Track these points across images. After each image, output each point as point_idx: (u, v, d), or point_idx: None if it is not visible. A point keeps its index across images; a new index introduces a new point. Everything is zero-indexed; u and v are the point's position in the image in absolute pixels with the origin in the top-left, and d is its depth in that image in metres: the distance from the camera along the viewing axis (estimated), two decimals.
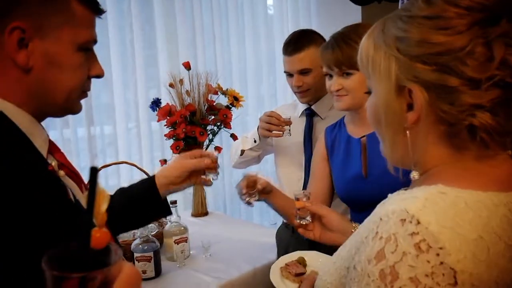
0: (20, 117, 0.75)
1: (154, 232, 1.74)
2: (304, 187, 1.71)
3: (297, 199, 1.16)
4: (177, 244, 1.71)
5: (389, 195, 0.65)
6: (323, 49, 1.36)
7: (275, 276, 1.17)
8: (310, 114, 1.78)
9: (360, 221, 1.32)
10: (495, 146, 0.59)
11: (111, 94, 2.48)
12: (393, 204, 0.57)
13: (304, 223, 1.14)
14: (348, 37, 1.31)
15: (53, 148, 0.85)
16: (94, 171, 0.49)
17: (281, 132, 1.70)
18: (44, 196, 0.71)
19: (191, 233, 1.80)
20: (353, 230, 1.12)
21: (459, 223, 0.53)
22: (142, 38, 2.48)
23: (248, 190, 1.30)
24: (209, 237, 1.84)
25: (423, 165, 0.65)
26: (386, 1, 2.61)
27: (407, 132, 0.63)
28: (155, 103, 2.26)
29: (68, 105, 0.83)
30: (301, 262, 1.22)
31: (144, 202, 1.18)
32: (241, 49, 2.85)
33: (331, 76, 1.36)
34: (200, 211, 2.34)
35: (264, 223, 3.04)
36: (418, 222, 0.53)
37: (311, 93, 1.73)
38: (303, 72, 1.70)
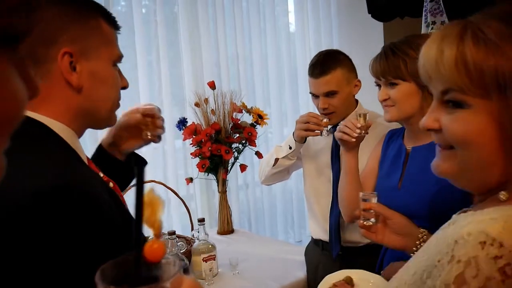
0: (68, 135, 0.82)
1: (183, 250, 1.76)
2: (333, 202, 1.72)
3: (364, 200, 1.14)
4: (206, 262, 1.73)
5: (454, 216, 0.63)
6: (372, 60, 1.37)
7: None
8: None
9: None
10: None
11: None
12: (468, 226, 0.55)
13: (368, 224, 1.13)
14: (397, 48, 1.31)
15: (89, 162, 0.91)
16: (140, 169, 0.46)
17: (320, 132, 1.69)
18: (115, 207, 0.76)
19: (218, 250, 1.81)
20: (419, 236, 1.11)
21: None
22: (168, 59, 2.55)
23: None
24: (236, 255, 1.85)
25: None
26: (408, 17, 2.61)
27: None
28: (181, 122, 2.31)
29: (111, 117, 0.92)
30: (349, 282, 1.19)
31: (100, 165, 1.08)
32: (263, 67, 2.89)
33: (380, 86, 1.37)
34: (226, 228, 2.36)
35: (290, 240, 3.04)
36: (501, 245, 0.50)
37: (336, 116, 1.74)
38: (329, 94, 1.71)
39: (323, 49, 3.15)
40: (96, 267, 0.45)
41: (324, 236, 1.79)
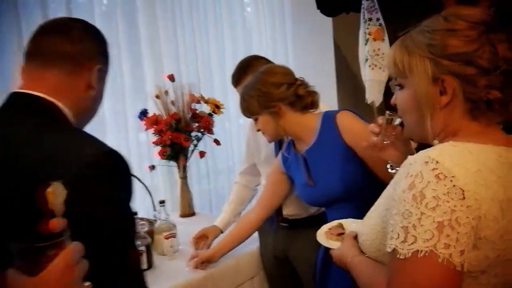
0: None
1: (146, 229, 1.92)
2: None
3: (389, 121, 1.16)
4: (167, 239, 1.89)
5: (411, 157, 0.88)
6: None
7: (321, 238, 1.35)
8: None
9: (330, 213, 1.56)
10: (500, 115, 0.86)
11: (101, 107, 2.65)
12: (418, 154, 0.81)
13: (385, 142, 1.19)
14: (243, 93, 1.62)
15: None
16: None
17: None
18: None
19: (180, 231, 1.97)
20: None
21: (464, 161, 0.78)
22: (128, 53, 2.67)
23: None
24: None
25: (443, 134, 0.89)
26: (353, 12, 2.81)
27: (440, 110, 0.87)
28: (143, 113, 2.45)
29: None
30: (340, 226, 1.40)
31: None
32: (221, 61, 3.05)
33: None
34: (188, 211, 2.53)
35: None
36: (437, 162, 0.77)
37: None
38: None
39: (278, 43, 3.35)
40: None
41: None
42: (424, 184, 0.76)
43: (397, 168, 1.15)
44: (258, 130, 1.65)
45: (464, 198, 0.75)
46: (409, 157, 0.87)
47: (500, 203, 0.79)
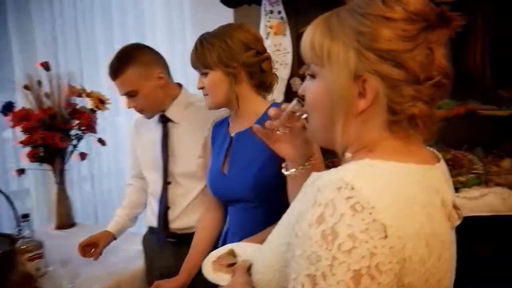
0: None
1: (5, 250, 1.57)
2: (163, 192, 1.71)
3: (294, 112, 0.98)
4: (31, 261, 1.57)
5: (322, 173, 0.70)
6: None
7: (208, 271, 1.11)
8: (164, 120, 1.72)
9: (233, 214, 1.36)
10: (421, 133, 0.71)
11: None
12: (329, 176, 0.65)
13: (280, 133, 1.00)
14: (204, 38, 1.34)
15: None
16: None
17: None
18: None
19: (54, 247, 1.70)
20: (309, 161, 1.02)
21: (385, 187, 0.63)
22: None
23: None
24: (71, 250, 1.72)
25: (356, 146, 0.73)
26: (255, 4, 2.68)
27: (355, 116, 0.70)
28: (7, 107, 2.05)
29: None
30: (231, 253, 1.18)
31: None
32: (108, 48, 2.69)
33: None
34: (66, 222, 2.19)
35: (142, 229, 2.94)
36: (353, 188, 0.61)
37: (149, 111, 1.69)
38: (130, 94, 1.64)
39: (176, 34, 3.09)
40: None
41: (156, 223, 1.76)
42: (336, 218, 0.59)
43: (292, 170, 1.02)
44: (201, 88, 1.38)
45: (386, 236, 0.59)
46: (315, 175, 0.70)
47: (426, 238, 0.64)
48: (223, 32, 1.34)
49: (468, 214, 1.97)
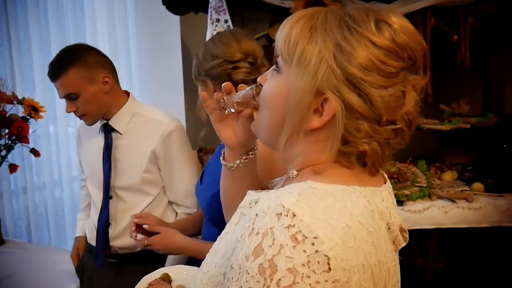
0: None
1: None
2: (104, 207, 1.59)
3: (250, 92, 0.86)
4: None
5: (254, 194, 0.68)
6: None
7: None
8: (107, 130, 1.63)
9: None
10: (369, 174, 0.68)
11: None
12: (268, 200, 0.60)
13: (226, 111, 0.89)
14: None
15: None
16: None
17: None
18: None
19: None
20: (247, 154, 0.93)
21: (329, 214, 0.58)
22: None
23: None
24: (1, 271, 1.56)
25: (300, 163, 0.69)
26: (202, 12, 2.62)
27: (304, 133, 0.66)
28: None
29: None
30: (165, 278, 1.12)
31: None
32: (44, 52, 2.49)
33: None
34: None
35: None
36: (294, 215, 0.56)
37: (90, 117, 1.60)
38: (70, 97, 1.55)
39: (117, 38, 2.94)
40: None
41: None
42: (275, 250, 0.55)
43: (230, 165, 0.92)
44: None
45: (330, 269, 0.55)
46: (252, 194, 0.66)
47: (371, 269, 0.61)
48: (204, 44, 1.31)
49: (412, 227, 2.02)
